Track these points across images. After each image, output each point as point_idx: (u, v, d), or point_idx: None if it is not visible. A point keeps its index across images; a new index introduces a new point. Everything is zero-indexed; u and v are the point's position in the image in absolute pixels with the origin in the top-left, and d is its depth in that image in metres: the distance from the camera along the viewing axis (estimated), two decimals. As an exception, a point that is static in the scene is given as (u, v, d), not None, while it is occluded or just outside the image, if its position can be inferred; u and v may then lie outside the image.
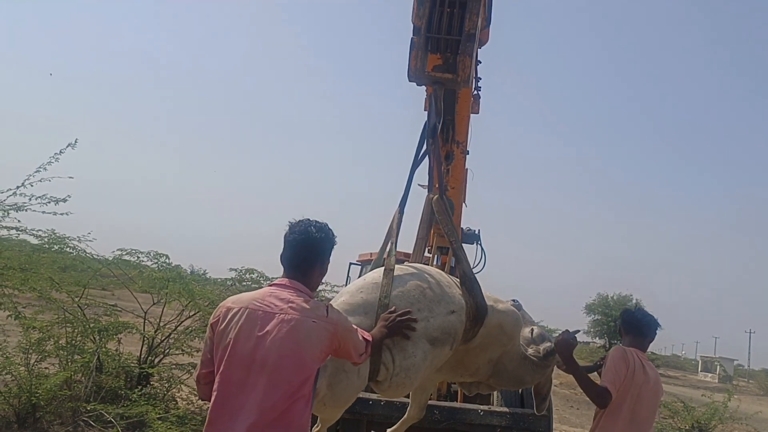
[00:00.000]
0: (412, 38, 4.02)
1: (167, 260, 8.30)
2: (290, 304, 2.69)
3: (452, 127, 5.94)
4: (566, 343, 4.06)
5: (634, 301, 48.04)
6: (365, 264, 11.40)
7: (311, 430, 3.63)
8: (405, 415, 4.96)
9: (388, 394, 3.73)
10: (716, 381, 46.06)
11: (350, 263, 12.13)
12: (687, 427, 13.10)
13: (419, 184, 4.30)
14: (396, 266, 3.73)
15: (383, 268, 3.68)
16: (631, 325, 4.20)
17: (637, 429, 3.83)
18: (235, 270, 8.81)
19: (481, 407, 7.60)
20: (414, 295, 3.60)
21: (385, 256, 3.88)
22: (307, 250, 2.86)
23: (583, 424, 14.26)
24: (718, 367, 52.99)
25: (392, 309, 3.44)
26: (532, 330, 4.32)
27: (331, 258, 2.99)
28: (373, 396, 6.60)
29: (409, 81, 4.13)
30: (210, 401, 2.64)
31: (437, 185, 4.33)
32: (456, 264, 4.02)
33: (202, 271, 9.63)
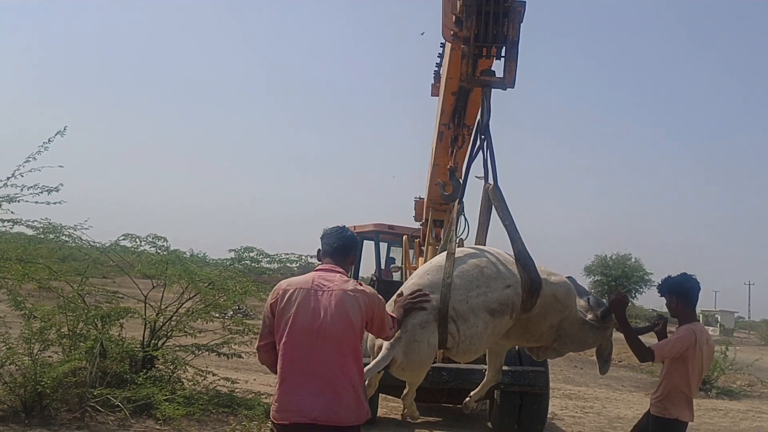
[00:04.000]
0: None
1: (166, 242, 8.27)
2: (334, 283, 3.35)
3: (464, 112, 5.98)
4: (619, 301, 4.50)
5: (632, 260, 48.46)
6: None
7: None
8: (484, 379, 5.66)
9: (459, 359, 4.45)
10: (717, 334, 46.53)
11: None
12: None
13: (476, 176, 4.82)
14: (461, 249, 4.47)
15: (446, 252, 4.32)
16: (690, 297, 4.50)
17: (695, 384, 4.43)
18: (234, 250, 8.78)
19: (485, 366, 7.85)
20: (473, 273, 4.24)
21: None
22: (343, 240, 3.60)
23: (587, 383, 14.44)
24: (719, 319, 53.49)
25: (401, 292, 4.11)
26: (589, 299, 4.87)
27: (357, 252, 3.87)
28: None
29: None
30: (274, 366, 3.31)
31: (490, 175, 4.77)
32: (511, 243, 4.47)
33: (201, 254, 9.54)
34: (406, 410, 5.32)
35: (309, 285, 3.33)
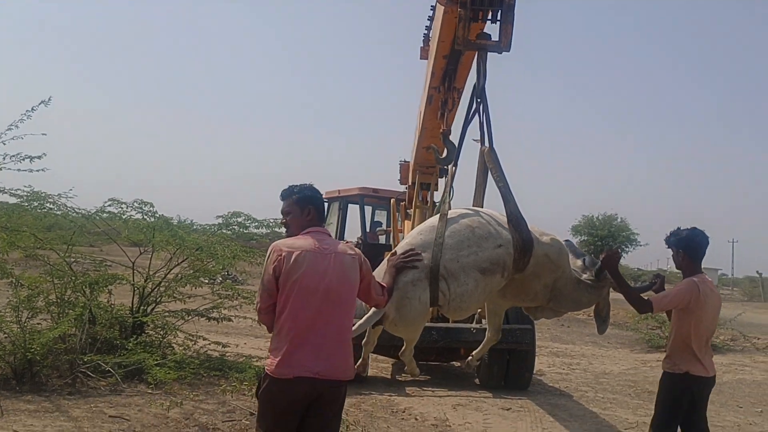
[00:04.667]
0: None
1: (152, 208, 8.22)
2: (333, 246, 3.54)
3: (454, 75, 5.96)
4: (610, 257, 4.59)
5: (619, 220, 48.80)
6: (331, 200, 11.96)
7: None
8: (485, 338, 5.86)
9: (451, 316, 4.74)
10: (702, 291, 47.00)
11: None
12: (674, 336, 13.49)
13: (473, 139, 4.93)
14: (454, 210, 4.62)
15: (440, 213, 4.52)
16: (697, 251, 4.50)
17: (704, 337, 4.40)
18: (222, 216, 8.73)
19: (473, 326, 8.04)
20: (464, 233, 4.38)
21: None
22: (321, 203, 3.73)
23: (574, 341, 14.66)
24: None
25: (394, 252, 4.35)
26: (584, 259, 5.05)
27: None
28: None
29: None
30: (274, 325, 3.44)
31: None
32: (504, 204, 4.58)
33: (188, 220, 9.49)
34: (406, 367, 5.47)
35: (314, 248, 3.47)
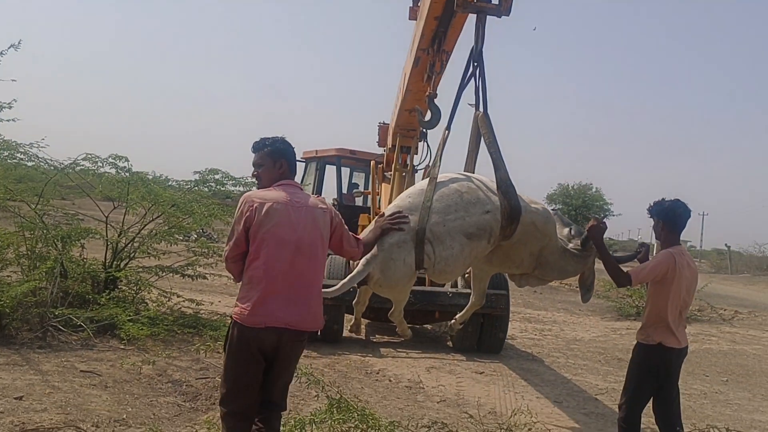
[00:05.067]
0: None
1: (128, 163, 8.05)
2: (304, 199, 3.58)
3: (444, 37, 5.85)
4: (597, 228, 4.58)
5: (593, 190, 49.21)
6: (309, 161, 12.02)
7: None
8: (469, 303, 5.86)
9: (436, 279, 4.72)
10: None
11: (296, 160, 12.50)
12: (644, 304, 13.71)
13: (468, 104, 4.84)
14: (445, 174, 4.59)
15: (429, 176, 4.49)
16: (676, 223, 4.45)
17: (678, 308, 4.37)
18: (199, 172, 8.57)
19: (450, 289, 8.08)
20: (453, 198, 4.40)
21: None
22: (293, 156, 3.75)
23: (546, 307, 14.82)
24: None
25: (382, 213, 4.38)
26: (571, 228, 5.08)
27: None
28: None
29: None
30: (240, 275, 3.50)
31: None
32: (495, 170, 4.51)
33: (163, 177, 9.31)
34: (397, 328, 5.54)
35: (285, 200, 3.50)
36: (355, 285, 4.45)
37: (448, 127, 4.93)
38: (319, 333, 8.07)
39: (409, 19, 6.79)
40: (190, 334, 7.24)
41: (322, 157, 11.92)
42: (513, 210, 4.41)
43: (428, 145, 9.07)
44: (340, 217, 3.75)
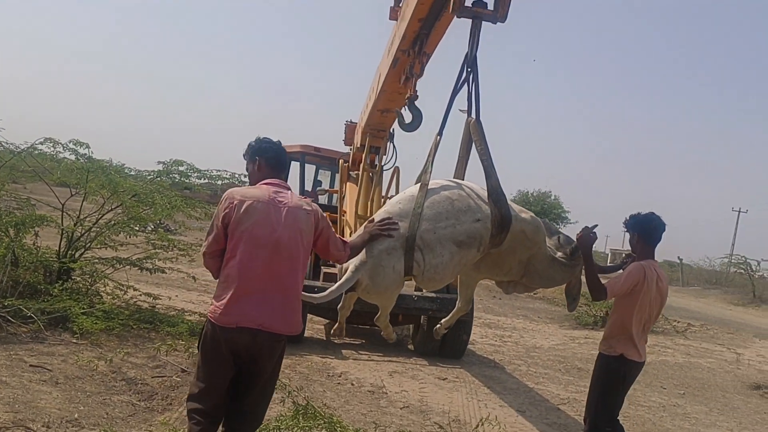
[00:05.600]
0: None
1: (88, 150, 7.73)
2: (290, 199, 3.49)
3: (426, 40, 5.77)
4: (586, 238, 4.53)
5: (552, 197, 49.90)
6: None
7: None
8: (455, 308, 5.76)
9: (424, 287, 4.79)
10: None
11: (282, 158, 12.29)
12: (602, 314, 13.88)
13: (459, 110, 4.76)
14: (436, 181, 4.52)
15: (420, 183, 4.42)
16: (651, 236, 4.47)
17: (643, 322, 4.40)
18: (163, 162, 8.29)
19: (415, 293, 8.00)
20: (444, 205, 4.33)
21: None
22: (284, 156, 3.75)
23: (505, 313, 14.87)
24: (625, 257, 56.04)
25: (371, 219, 4.30)
26: (559, 237, 5.01)
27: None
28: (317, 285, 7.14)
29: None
30: (217, 272, 3.44)
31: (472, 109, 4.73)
32: (486, 179, 4.46)
33: (121, 165, 8.93)
34: (382, 332, 5.41)
35: (267, 198, 3.44)
36: (343, 291, 4.36)
37: (440, 133, 4.82)
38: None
39: (390, 18, 6.67)
40: (146, 330, 6.99)
41: (288, 154, 11.70)
42: (503, 219, 4.39)
43: (394, 147, 9.05)
44: (327, 219, 3.68)
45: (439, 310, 7.96)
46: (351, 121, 10.78)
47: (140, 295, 7.75)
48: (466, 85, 4.70)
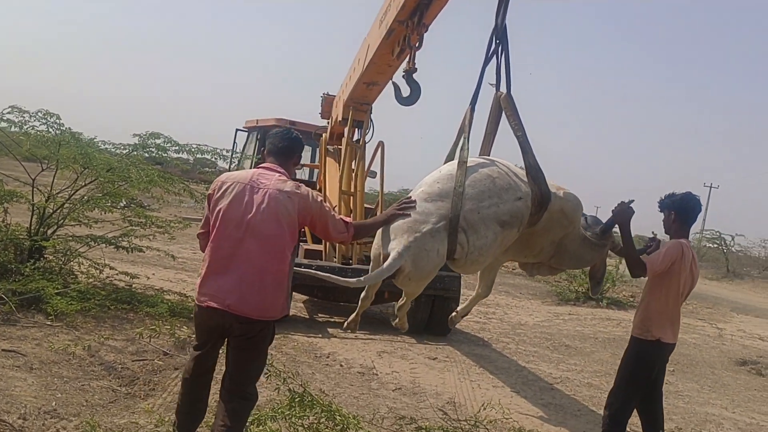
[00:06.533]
0: None
1: (59, 120, 7.31)
2: (271, 182, 3.45)
3: (426, 10, 5.49)
4: (624, 212, 4.29)
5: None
6: (251, 130, 11.97)
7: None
8: (474, 293, 5.59)
9: (463, 271, 4.41)
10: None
11: (236, 129, 12.48)
12: (583, 290, 13.86)
13: (489, 83, 4.52)
14: (471, 158, 4.23)
15: (457, 160, 4.14)
16: (689, 215, 4.30)
17: (678, 303, 4.24)
18: (139, 135, 7.87)
19: None
20: (485, 183, 4.09)
21: (458, 150, 4.34)
22: (288, 141, 3.69)
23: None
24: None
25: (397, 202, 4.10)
26: (586, 218, 4.81)
27: (300, 153, 3.82)
28: (303, 262, 6.94)
29: None
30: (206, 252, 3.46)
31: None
32: (523, 155, 4.27)
33: (94, 138, 8.45)
34: (398, 320, 5.06)
35: (246, 180, 3.46)
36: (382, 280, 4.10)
37: (473, 107, 4.54)
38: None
39: None
40: (124, 311, 6.67)
41: (262, 127, 11.50)
42: (543, 196, 4.23)
43: (371, 121, 8.78)
44: (322, 202, 3.58)
45: (428, 287, 7.80)
46: (328, 94, 10.49)
47: (117, 274, 7.42)
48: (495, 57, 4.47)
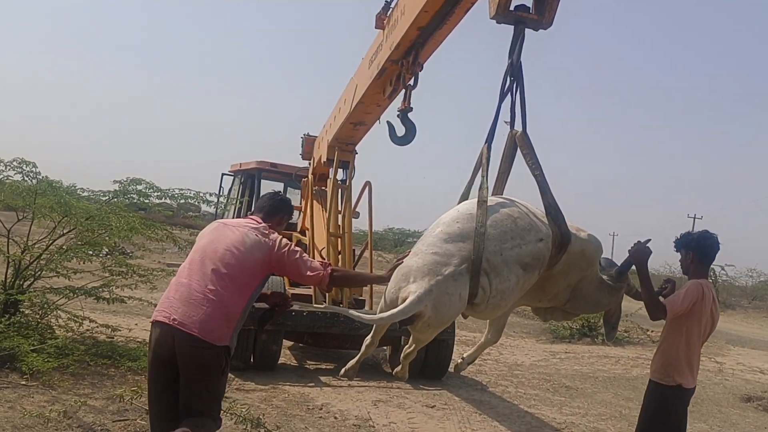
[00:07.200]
0: None
1: (35, 168, 7.04)
2: (247, 225, 3.82)
3: (421, 49, 5.38)
4: (641, 252, 4.14)
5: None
6: (235, 174, 11.88)
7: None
8: (483, 339, 5.33)
9: (482, 316, 4.22)
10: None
11: (222, 174, 12.43)
12: (577, 327, 13.62)
13: (504, 121, 4.40)
14: (490, 198, 4.07)
15: (476, 199, 3.98)
16: (707, 255, 4.15)
17: (698, 346, 4.10)
18: (119, 181, 7.58)
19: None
20: (507, 224, 3.94)
21: (478, 189, 4.17)
22: (271, 203, 4.08)
23: (480, 329, 14.41)
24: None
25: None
26: (599, 260, 4.55)
27: (288, 215, 4.19)
28: (295, 308, 6.74)
29: (491, 19, 4.23)
30: None
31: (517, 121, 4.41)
32: (541, 195, 4.14)
33: (73, 186, 8.11)
34: (400, 368, 4.77)
35: (225, 221, 3.99)
36: (397, 323, 3.83)
37: (489, 145, 4.37)
38: (252, 359, 7.36)
39: (376, 27, 6.22)
40: (104, 366, 6.33)
41: (245, 170, 11.35)
42: (564, 237, 4.05)
43: (353, 166, 8.61)
44: (284, 245, 3.74)
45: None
46: (308, 135, 10.36)
47: (97, 326, 7.09)
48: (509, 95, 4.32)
